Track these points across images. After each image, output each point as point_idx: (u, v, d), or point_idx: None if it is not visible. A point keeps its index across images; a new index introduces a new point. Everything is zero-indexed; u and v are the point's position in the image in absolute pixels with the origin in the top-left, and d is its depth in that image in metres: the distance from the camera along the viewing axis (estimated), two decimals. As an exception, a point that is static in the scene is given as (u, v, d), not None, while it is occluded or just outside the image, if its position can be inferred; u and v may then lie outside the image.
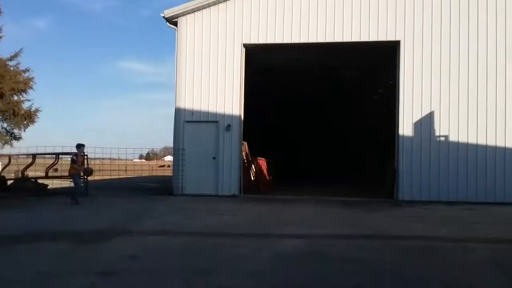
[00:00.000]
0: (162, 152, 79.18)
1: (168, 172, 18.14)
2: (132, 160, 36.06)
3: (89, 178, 15.26)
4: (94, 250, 6.74)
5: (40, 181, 16.81)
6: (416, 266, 5.93)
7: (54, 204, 12.51)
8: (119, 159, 28.36)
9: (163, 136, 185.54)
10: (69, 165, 13.22)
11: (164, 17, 14.99)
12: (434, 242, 7.52)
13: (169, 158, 53.43)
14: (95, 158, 21.73)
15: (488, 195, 13.50)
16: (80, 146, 13.11)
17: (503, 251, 6.82)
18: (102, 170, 23.99)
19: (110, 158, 25.94)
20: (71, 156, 13.34)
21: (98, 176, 23.09)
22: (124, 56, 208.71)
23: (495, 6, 13.79)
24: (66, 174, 14.17)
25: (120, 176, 23.93)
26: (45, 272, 5.46)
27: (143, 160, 58.65)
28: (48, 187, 16.78)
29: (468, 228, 9.03)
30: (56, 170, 17.57)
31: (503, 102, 13.67)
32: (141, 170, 33.59)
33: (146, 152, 73.86)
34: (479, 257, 6.40)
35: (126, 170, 30.90)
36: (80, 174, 13.22)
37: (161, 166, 46.63)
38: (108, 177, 21.95)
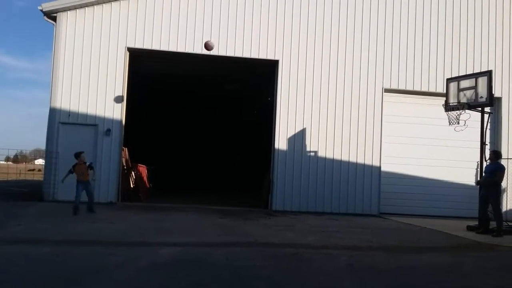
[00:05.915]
0: (33, 155, 72.99)
1: (39, 177, 16.83)
2: (-4, 162, 32.68)
3: None
4: None
5: None
6: (285, 270, 6.42)
7: None
8: (-21, 160, 25.62)
9: (34, 137, 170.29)
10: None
11: (42, 10, 14.03)
12: (302, 249, 8.15)
13: (40, 161, 49.41)
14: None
15: (349, 207, 14.91)
16: (79, 155, 11.75)
17: (359, 257, 7.67)
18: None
19: (-31, 159, 23.33)
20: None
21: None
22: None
23: (360, 33, 15.35)
24: None
25: (-20, 179, 21.63)
26: None
27: (10, 163, 53.38)
28: None
29: (332, 237, 9.94)
30: None
31: (363, 123, 15.21)
32: (7, 173, 30.66)
33: (14, 153, 67.81)
34: (339, 262, 7.12)
35: (-12, 172, 28.08)
36: (82, 182, 11.66)
37: (30, 170, 43.25)
38: (-35, 179, 19.74)
